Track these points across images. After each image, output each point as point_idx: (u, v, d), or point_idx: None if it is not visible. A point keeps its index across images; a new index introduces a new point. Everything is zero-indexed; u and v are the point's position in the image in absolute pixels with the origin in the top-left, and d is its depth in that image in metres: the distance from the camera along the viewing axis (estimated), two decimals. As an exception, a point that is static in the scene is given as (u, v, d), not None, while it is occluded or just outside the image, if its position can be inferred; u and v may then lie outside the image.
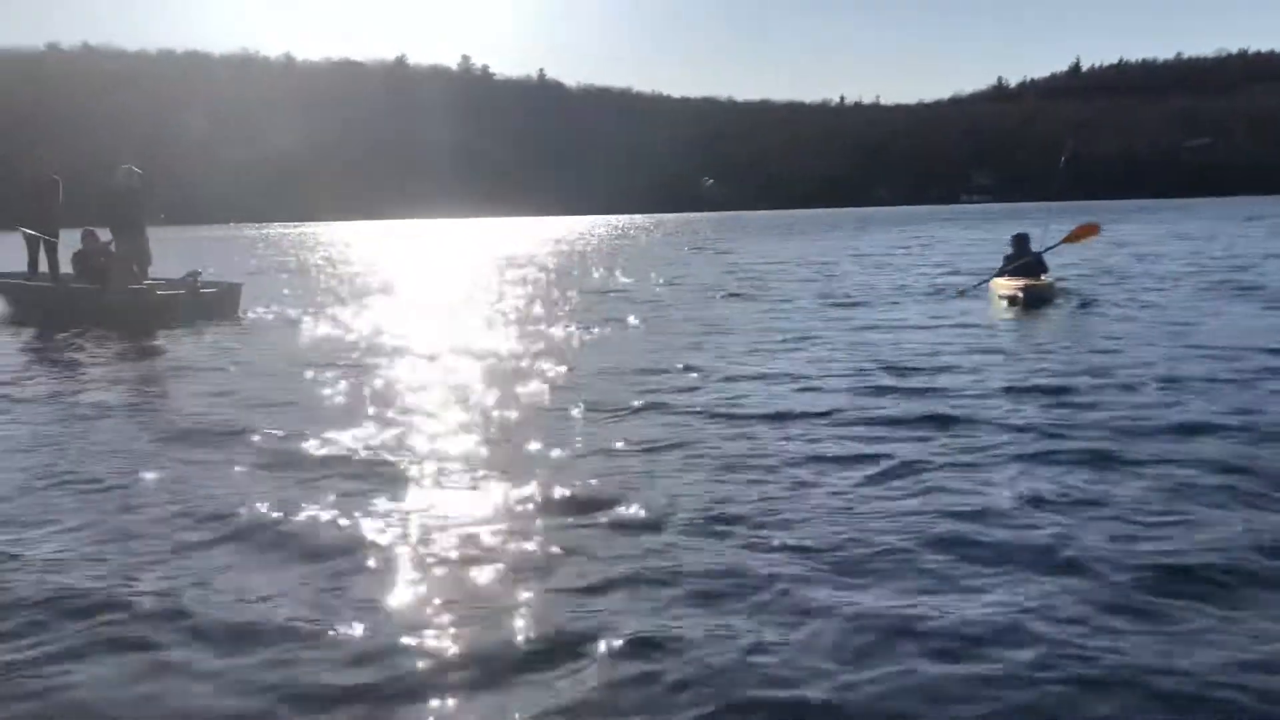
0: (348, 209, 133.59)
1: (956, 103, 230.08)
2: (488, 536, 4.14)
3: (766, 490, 4.74)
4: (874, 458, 5.27)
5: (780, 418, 6.32)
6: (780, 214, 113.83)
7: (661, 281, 19.29)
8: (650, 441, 5.75)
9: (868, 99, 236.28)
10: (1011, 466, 5.06)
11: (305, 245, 49.39)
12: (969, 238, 36.15)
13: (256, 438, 5.97)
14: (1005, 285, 13.70)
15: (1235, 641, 3.09)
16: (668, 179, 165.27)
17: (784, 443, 5.69)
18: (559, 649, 3.12)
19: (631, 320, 12.45)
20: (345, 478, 5.06)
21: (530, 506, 4.55)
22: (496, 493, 4.75)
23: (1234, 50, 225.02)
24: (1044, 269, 14.24)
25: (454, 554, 3.96)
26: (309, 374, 8.43)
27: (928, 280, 17.50)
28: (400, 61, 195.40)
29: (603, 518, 4.37)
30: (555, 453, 5.52)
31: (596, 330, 11.59)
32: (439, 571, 3.79)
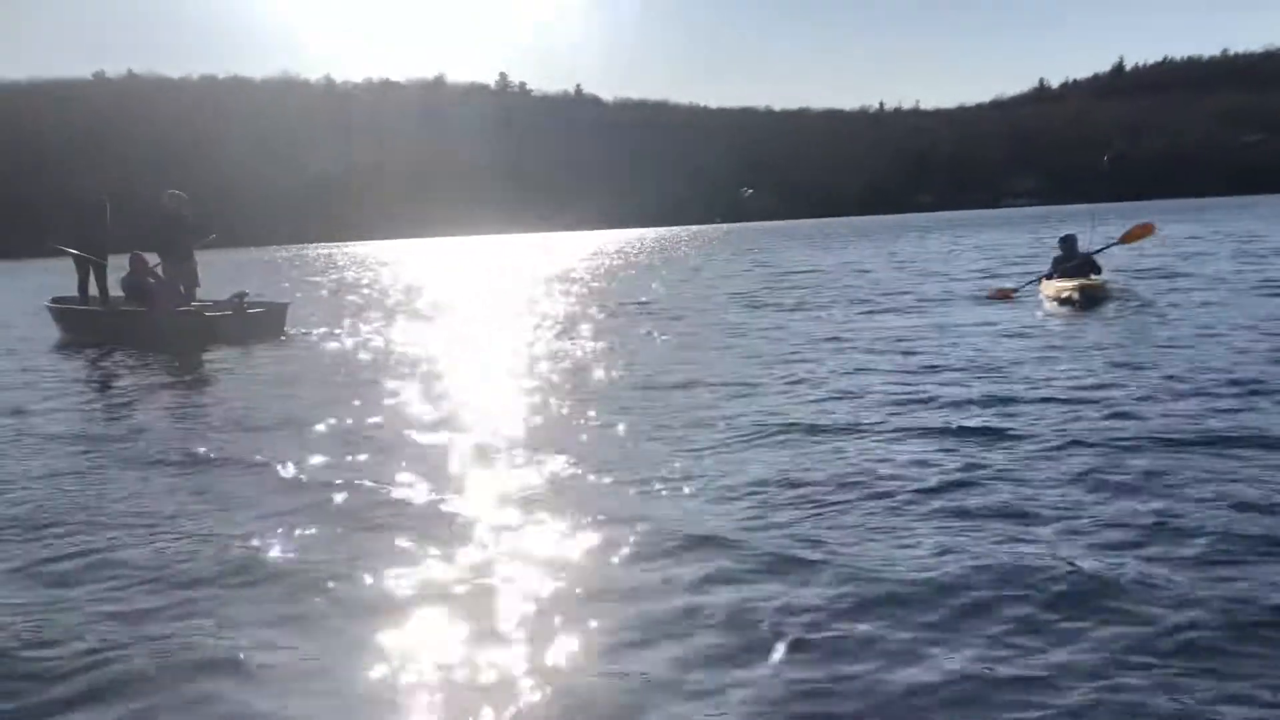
0: (389, 228, 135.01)
1: (998, 106, 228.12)
2: (540, 562, 4.05)
3: (817, 511, 4.60)
4: (930, 470, 5.11)
5: (831, 430, 6.17)
6: (821, 222, 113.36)
7: (696, 292, 19.17)
8: (694, 456, 5.64)
9: (907, 104, 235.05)
10: (1076, 484, 4.87)
11: (347, 265, 49.89)
12: (1015, 241, 35.64)
13: (306, 457, 5.93)
14: (1058, 287, 13.50)
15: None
16: (706, 190, 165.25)
17: (832, 456, 5.55)
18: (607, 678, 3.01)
19: (664, 333, 12.35)
20: (401, 496, 5.01)
21: (585, 529, 4.44)
22: (545, 513, 4.65)
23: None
24: (1096, 269, 14.00)
25: (504, 580, 3.86)
26: (355, 392, 8.43)
27: (974, 284, 17.22)
28: (439, 80, 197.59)
29: (636, 537, 4.26)
30: (599, 472, 5.41)
31: (633, 343, 11.52)
32: (495, 599, 3.70)
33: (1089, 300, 12.70)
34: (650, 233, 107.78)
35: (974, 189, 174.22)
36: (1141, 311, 12.05)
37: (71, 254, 14.57)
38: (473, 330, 13.94)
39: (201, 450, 6.34)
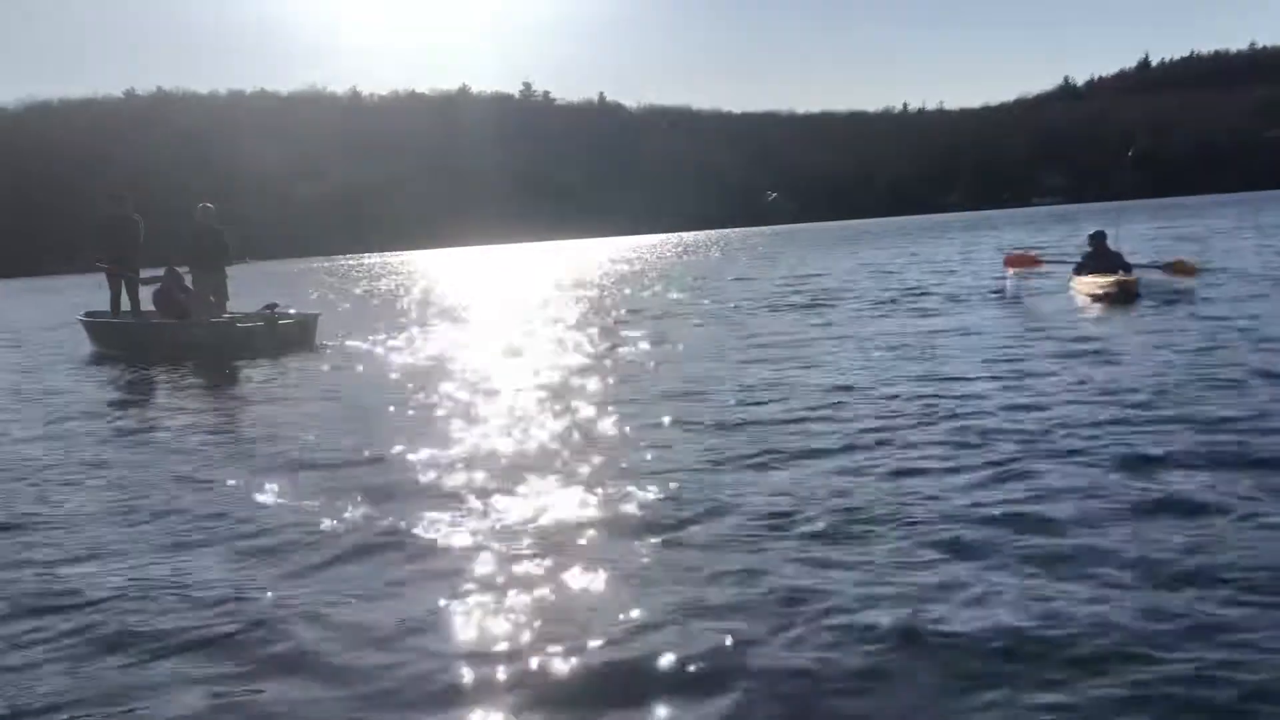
0: (414, 238, 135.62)
1: (1023, 104, 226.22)
2: (574, 555, 4.08)
3: (853, 504, 4.61)
4: (969, 468, 5.10)
5: (864, 430, 6.16)
6: (847, 225, 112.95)
7: (724, 296, 19.15)
8: (720, 454, 5.65)
9: (931, 105, 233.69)
10: (1129, 482, 4.85)
11: (374, 275, 50.20)
12: (1043, 239, 35.34)
13: (341, 464, 6.00)
14: (1090, 283, 13.50)
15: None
16: (732, 195, 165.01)
17: (866, 456, 5.54)
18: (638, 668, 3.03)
19: (686, 337, 12.35)
20: (433, 498, 5.05)
21: (612, 525, 4.47)
22: (577, 511, 4.68)
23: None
24: (1127, 268, 13.94)
25: (538, 573, 3.89)
26: (387, 401, 8.52)
27: (1007, 282, 17.10)
28: (463, 90, 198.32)
29: (675, 535, 4.29)
30: (634, 471, 5.43)
31: (661, 347, 11.53)
32: (529, 589, 3.73)
33: (1126, 296, 12.70)
34: (674, 238, 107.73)
35: (1001, 188, 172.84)
36: (1171, 307, 11.94)
37: (105, 269, 14.78)
38: (498, 338, 13.99)
39: (236, 457, 6.42)
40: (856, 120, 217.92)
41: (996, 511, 4.35)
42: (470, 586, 3.84)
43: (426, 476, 5.56)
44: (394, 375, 10.34)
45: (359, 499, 5.14)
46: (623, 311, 17.26)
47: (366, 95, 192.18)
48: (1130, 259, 14.55)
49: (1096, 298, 13.06)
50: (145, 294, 14.85)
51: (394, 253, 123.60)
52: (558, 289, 26.31)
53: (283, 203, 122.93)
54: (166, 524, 4.99)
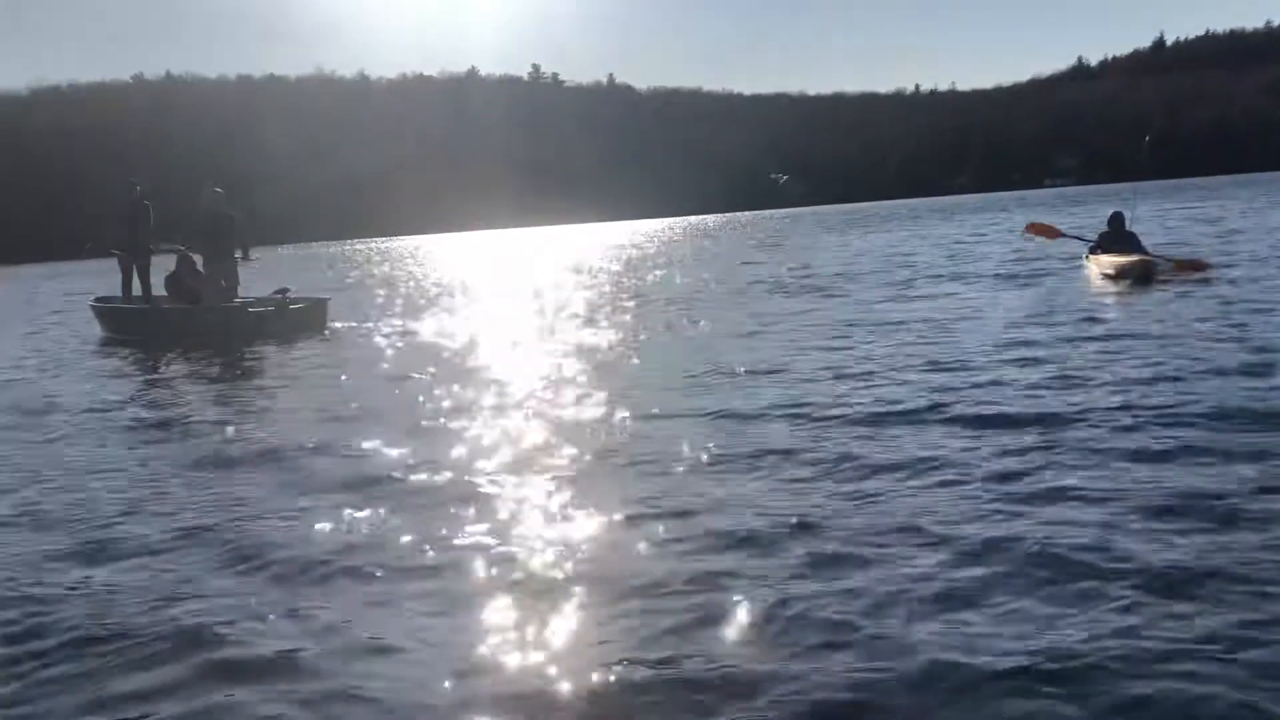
0: (423, 222, 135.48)
1: (1036, 85, 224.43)
2: (576, 552, 4.02)
3: (864, 498, 4.54)
4: (983, 459, 5.03)
5: (874, 418, 6.07)
6: (858, 207, 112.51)
7: (732, 280, 19.06)
8: (728, 446, 5.59)
9: (943, 86, 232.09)
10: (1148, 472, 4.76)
11: (384, 260, 50.20)
12: (1057, 221, 35.09)
13: (349, 450, 5.96)
14: (1107, 261, 13.51)
15: None
16: (742, 177, 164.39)
17: (876, 444, 5.47)
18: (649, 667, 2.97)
19: (698, 320, 12.29)
20: (439, 493, 5.00)
21: (618, 519, 4.41)
22: (581, 502, 4.63)
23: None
24: (1143, 250, 13.86)
25: (540, 572, 3.84)
26: (395, 388, 8.50)
27: (1021, 264, 16.96)
28: (471, 74, 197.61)
29: (681, 531, 4.22)
30: (637, 464, 5.38)
31: (667, 331, 11.47)
32: (530, 589, 3.68)
33: (1144, 276, 12.65)
34: (683, 221, 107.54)
35: (1013, 170, 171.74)
36: (1187, 288, 11.82)
37: (116, 254, 14.79)
38: (508, 322, 13.95)
39: (247, 444, 6.39)
40: (868, 102, 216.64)
41: (1015, 503, 4.28)
42: (475, 588, 3.79)
43: (432, 470, 5.50)
44: (404, 361, 10.29)
45: (365, 493, 5.09)
46: (632, 297, 17.19)
47: (375, 79, 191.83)
48: (1144, 240, 14.39)
49: (1113, 276, 13.08)
50: (156, 279, 14.85)
51: (402, 238, 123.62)
52: (566, 274, 26.24)
53: (291, 187, 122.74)
54: (164, 511, 4.95)
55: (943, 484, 4.57)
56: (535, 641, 3.20)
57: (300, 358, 11.10)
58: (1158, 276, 12.83)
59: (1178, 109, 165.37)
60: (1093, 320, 9.69)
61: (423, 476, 5.26)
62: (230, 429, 7.03)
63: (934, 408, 6.11)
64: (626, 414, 6.61)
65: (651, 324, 12.36)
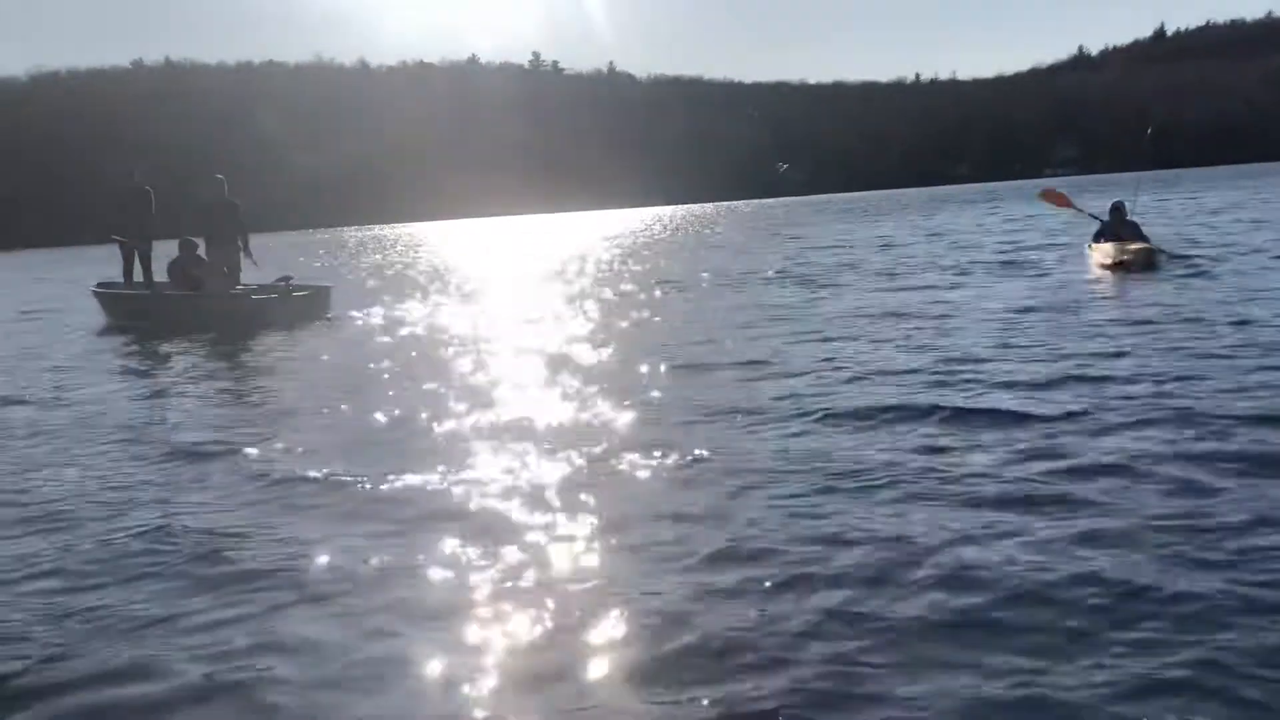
0: (424, 209, 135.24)
1: (1036, 74, 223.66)
2: (574, 554, 4.04)
3: (867, 498, 4.56)
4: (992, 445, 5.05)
5: (875, 411, 6.07)
6: (859, 196, 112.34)
7: (731, 268, 19.05)
8: (734, 440, 5.60)
9: (944, 75, 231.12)
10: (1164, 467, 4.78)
11: (384, 247, 50.12)
12: (1056, 213, 35.07)
13: (347, 444, 5.98)
14: (1107, 249, 13.53)
15: None
16: (743, 166, 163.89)
17: (882, 440, 5.49)
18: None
19: (699, 311, 12.30)
20: (440, 491, 5.02)
21: (621, 517, 4.43)
22: (583, 501, 4.65)
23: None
24: (1144, 239, 13.89)
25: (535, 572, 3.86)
26: (396, 375, 8.52)
27: (1023, 254, 16.97)
28: (472, 60, 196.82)
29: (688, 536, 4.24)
30: (640, 459, 5.39)
31: (668, 321, 11.48)
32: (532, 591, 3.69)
33: (1145, 264, 12.68)
34: (683, 210, 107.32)
35: (1014, 159, 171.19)
36: (1189, 278, 11.83)
37: (118, 240, 14.78)
38: (509, 311, 13.95)
39: (243, 438, 6.40)
40: (868, 90, 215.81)
41: (1028, 486, 4.31)
42: (480, 592, 3.80)
43: (433, 463, 5.50)
44: (404, 349, 10.30)
45: (362, 483, 5.08)
46: (630, 285, 17.19)
47: (375, 66, 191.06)
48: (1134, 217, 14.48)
49: (1114, 266, 13.07)
50: (158, 265, 14.84)
51: (402, 224, 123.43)
52: (566, 261, 26.21)
53: (291, 174, 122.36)
54: (160, 493, 4.97)
55: (934, 487, 4.59)
56: (530, 648, 3.21)
57: (300, 346, 11.11)
58: (1155, 259, 12.90)
59: (1178, 99, 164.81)
60: (1094, 310, 9.70)
61: (408, 472, 5.27)
62: (221, 418, 7.05)
63: (932, 406, 5.98)
64: (620, 406, 6.63)
65: (648, 313, 12.37)
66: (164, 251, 14.93)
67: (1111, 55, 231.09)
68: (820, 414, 5.90)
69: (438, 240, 57.22)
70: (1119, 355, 7.15)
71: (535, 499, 4.53)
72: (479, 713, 2.73)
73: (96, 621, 3.42)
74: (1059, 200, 16.38)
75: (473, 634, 3.18)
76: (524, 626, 3.21)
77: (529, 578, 3.62)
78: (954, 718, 2.55)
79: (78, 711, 2.84)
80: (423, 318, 13.34)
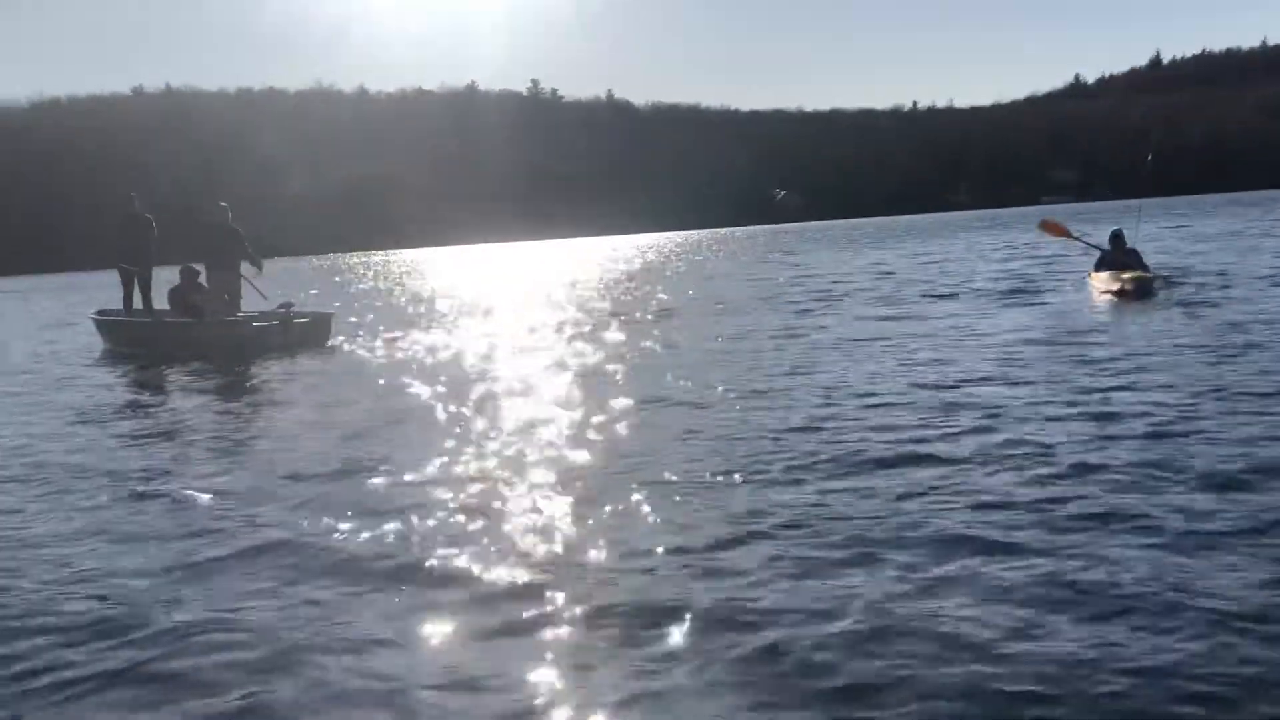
0: (422, 236, 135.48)
1: (1033, 102, 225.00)
2: (578, 571, 4.03)
3: (876, 527, 4.55)
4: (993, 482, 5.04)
5: (879, 427, 6.09)
6: (857, 223, 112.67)
7: (729, 295, 19.07)
8: (731, 467, 5.59)
9: (941, 102, 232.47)
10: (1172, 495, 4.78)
11: (383, 273, 50.22)
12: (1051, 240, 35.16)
13: (347, 471, 5.96)
14: (1106, 278, 13.61)
15: None
16: (740, 193, 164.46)
17: (896, 468, 5.48)
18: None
19: (698, 338, 12.30)
20: (440, 511, 5.00)
21: (624, 540, 4.42)
22: (583, 521, 4.64)
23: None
24: (1144, 266, 13.95)
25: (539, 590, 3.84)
26: (397, 403, 8.51)
27: (1024, 283, 16.99)
28: (470, 88, 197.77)
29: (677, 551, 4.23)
30: (641, 482, 5.38)
31: (666, 348, 11.48)
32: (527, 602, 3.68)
33: (1142, 291, 12.75)
34: (680, 236, 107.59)
35: (1010, 186, 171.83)
36: (1187, 306, 11.83)
37: (119, 267, 14.82)
38: (508, 337, 13.95)
39: (242, 461, 6.38)
40: (866, 118, 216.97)
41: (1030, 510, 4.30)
42: (482, 606, 3.79)
43: (434, 488, 5.48)
44: (404, 376, 10.28)
45: (362, 511, 5.06)
46: (630, 312, 17.20)
47: (374, 92, 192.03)
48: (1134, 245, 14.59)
49: (1113, 293, 13.17)
50: (159, 292, 14.85)
51: (403, 250, 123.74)
52: (565, 287, 26.24)
53: (291, 200, 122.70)
54: (164, 531, 4.95)
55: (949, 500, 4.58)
56: (532, 656, 3.21)
57: (301, 373, 11.09)
58: (1153, 286, 13.01)
59: (1175, 126, 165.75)
60: (1095, 339, 9.70)
61: (410, 498, 5.25)
62: (219, 446, 7.04)
63: (924, 445, 6.07)
64: (627, 432, 6.62)
65: (645, 340, 12.36)
66: (164, 278, 14.94)
67: (1108, 83, 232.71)
68: (809, 461, 5.88)
69: (437, 266, 57.32)
70: (1122, 389, 7.14)
71: (522, 533, 4.52)
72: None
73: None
74: (1058, 231, 16.48)
75: (466, 663, 3.17)
76: (511, 662, 3.20)
77: (517, 610, 3.60)
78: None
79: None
80: (423, 345, 13.32)
